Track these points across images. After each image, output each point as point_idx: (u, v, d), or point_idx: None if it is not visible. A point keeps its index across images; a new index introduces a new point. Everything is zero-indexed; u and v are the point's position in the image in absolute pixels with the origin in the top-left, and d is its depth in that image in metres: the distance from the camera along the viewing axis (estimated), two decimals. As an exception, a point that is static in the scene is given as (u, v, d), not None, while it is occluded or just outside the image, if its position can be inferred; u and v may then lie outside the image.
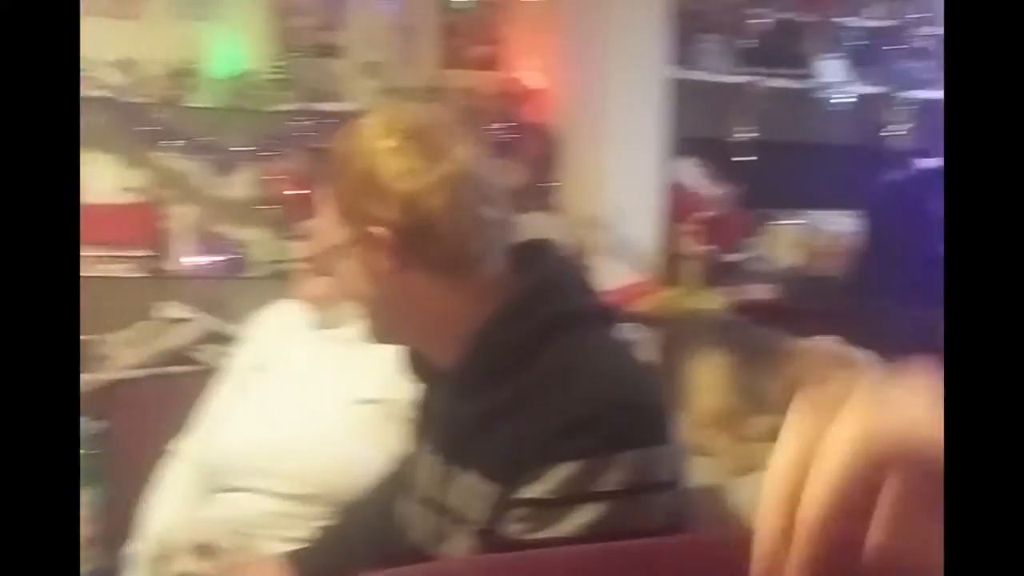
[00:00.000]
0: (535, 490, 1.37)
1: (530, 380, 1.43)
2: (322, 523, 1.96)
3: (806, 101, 4.34)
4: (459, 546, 1.48)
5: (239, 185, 3.70)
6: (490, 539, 1.43)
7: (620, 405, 1.39)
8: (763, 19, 4.22)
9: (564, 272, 1.59)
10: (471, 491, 1.47)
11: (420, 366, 1.64)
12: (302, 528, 1.98)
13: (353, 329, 2.13)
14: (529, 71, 4.10)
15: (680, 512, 1.46)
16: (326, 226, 1.55)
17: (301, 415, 2.09)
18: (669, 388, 2.33)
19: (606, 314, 1.57)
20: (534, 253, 1.54)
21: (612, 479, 1.35)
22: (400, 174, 1.44)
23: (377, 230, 1.46)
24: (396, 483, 1.77)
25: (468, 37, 4.13)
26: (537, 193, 3.91)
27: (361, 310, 1.56)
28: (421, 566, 1.44)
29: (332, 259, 1.56)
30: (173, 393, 2.57)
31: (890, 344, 2.43)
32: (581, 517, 1.36)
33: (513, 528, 1.40)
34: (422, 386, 1.69)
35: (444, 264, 1.48)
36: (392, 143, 1.46)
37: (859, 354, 2.25)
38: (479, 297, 1.47)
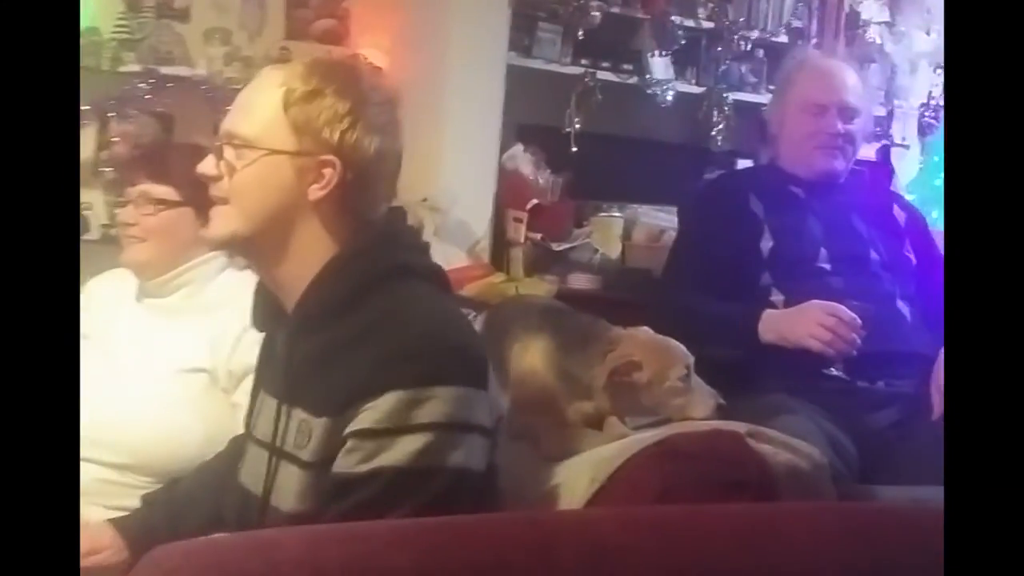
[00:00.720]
0: (362, 421, 1.48)
1: (361, 321, 1.54)
2: (149, 489, 2.02)
3: (636, 96, 4.48)
4: (289, 483, 1.57)
5: (83, 145, 3.68)
6: (320, 474, 1.53)
7: (443, 343, 1.52)
8: (599, 12, 4.33)
9: (405, 230, 1.75)
10: (303, 428, 1.56)
11: (265, 310, 1.72)
12: (128, 496, 2.03)
13: (178, 298, 2.22)
14: (371, 49, 4.15)
15: (492, 492, 1.60)
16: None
17: (123, 385, 2.12)
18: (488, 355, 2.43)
19: (437, 274, 1.70)
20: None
21: (434, 410, 1.47)
22: (341, 113, 1.58)
23: (328, 157, 1.57)
24: (238, 443, 1.84)
25: (314, 9, 4.17)
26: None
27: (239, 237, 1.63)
28: (248, 533, 1.49)
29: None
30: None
31: (700, 340, 2.57)
32: (408, 446, 1.46)
33: (344, 461, 1.49)
34: (265, 331, 1.77)
35: (360, 204, 1.62)
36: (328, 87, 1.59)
37: (672, 343, 2.33)
38: (318, 187, 1.59)
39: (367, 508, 1.46)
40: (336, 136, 1.58)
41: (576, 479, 1.83)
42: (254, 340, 1.86)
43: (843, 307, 2.51)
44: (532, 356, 2.41)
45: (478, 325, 2.77)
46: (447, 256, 3.83)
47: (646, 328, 2.33)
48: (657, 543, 1.47)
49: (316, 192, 1.59)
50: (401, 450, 1.46)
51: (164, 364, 2.13)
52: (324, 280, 1.59)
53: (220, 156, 1.61)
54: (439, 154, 3.98)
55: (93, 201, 3.76)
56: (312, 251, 1.60)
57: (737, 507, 1.54)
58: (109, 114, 3.73)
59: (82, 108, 3.63)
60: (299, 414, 1.58)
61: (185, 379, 2.12)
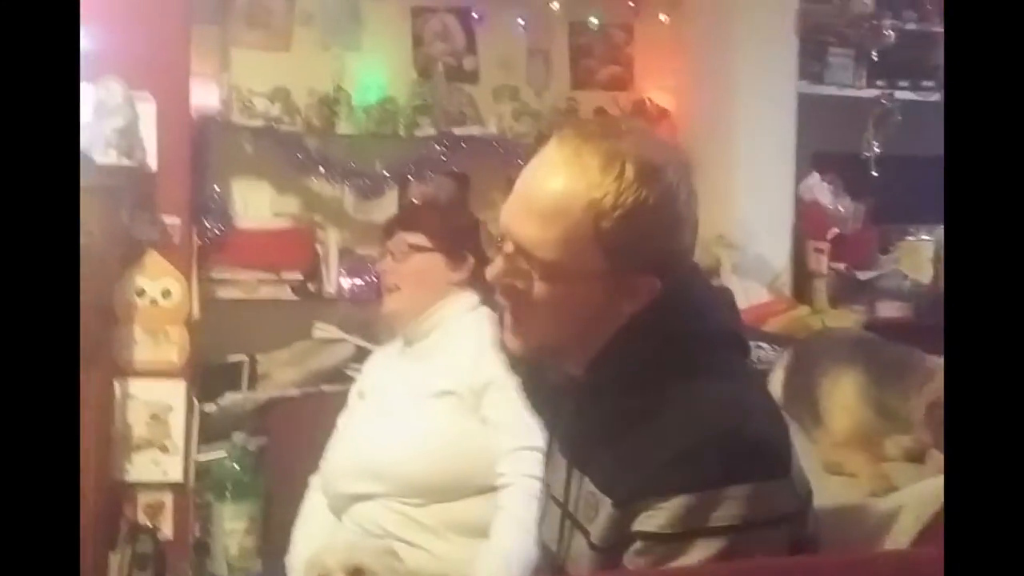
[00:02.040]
0: (652, 523, 1.36)
1: (654, 397, 1.42)
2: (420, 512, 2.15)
3: (939, 112, 4.28)
4: (580, 556, 1.50)
5: (384, 209, 3.84)
6: (607, 559, 1.44)
7: (739, 439, 1.37)
8: (892, 31, 4.18)
9: (705, 292, 1.58)
10: (590, 500, 1.47)
11: (543, 374, 1.66)
12: (424, 532, 2.16)
13: (433, 338, 2.32)
14: (658, 91, 4.17)
15: (804, 541, 1.47)
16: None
17: (395, 425, 2.26)
18: (793, 417, 2.34)
19: (739, 340, 1.56)
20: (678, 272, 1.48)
21: (728, 513, 1.34)
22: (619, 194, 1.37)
23: (649, 279, 1.41)
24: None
25: (598, 58, 4.22)
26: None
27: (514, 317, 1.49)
28: None
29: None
30: (325, 411, 2.71)
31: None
32: (700, 552, 1.34)
33: (634, 561, 1.39)
34: (551, 390, 1.67)
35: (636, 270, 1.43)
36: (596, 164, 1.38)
37: None
38: (632, 304, 1.44)
39: None
40: (656, 254, 1.41)
41: (899, 517, 1.72)
42: (491, 359, 1.93)
43: None
44: (844, 390, 2.33)
45: (784, 361, 2.72)
46: (747, 292, 3.76)
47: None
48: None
49: (629, 307, 1.43)
50: (691, 557, 1.35)
51: (421, 395, 2.26)
52: (619, 346, 1.46)
53: (512, 267, 1.44)
54: (733, 189, 3.91)
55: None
56: (600, 320, 1.46)
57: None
58: (408, 177, 3.88)
59: (383, 174, 3.83)
60: (588, 485, 1.49)
61: (437, 403, 2.23)
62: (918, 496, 1.74)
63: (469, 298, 2.33)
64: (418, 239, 2.32)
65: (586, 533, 1.48)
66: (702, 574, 1.38)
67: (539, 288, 1.42)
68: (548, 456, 1.70)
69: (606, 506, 1.43)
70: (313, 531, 2.34)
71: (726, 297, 1.69)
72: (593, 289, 1.41)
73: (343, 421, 2.45)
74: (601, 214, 1.37)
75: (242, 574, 2.99)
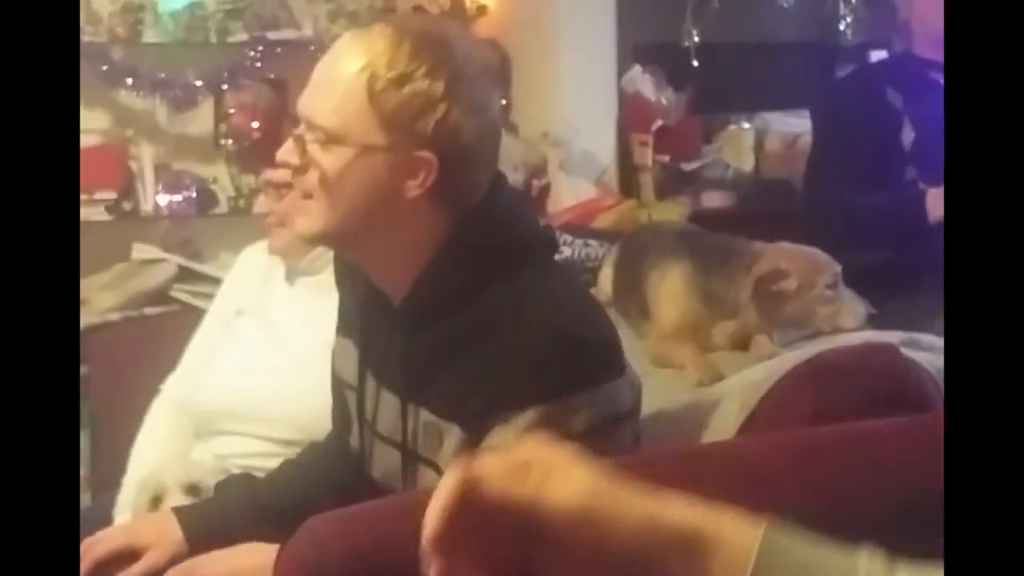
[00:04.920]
0: (503, 438, 1.38)
1: (481, 314, 1.45)
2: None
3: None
4: (386, 462, 1.55)
5: (199, 121, 3.71)
6: (423, 464, 1.49)
7: (576, 342, 1.41)
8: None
9: (511, 198, 1.60)
10: (431, 430, 1.49)
11: (366, 301, 1.63)
12: None
13: (328, 274, 2.20)
14: (477, -13, 4.10)
15: (638, 436, 1.52)
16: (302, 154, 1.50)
17: (281, 361, 2.14)
18: (622, 313, 2.36)
19: (549, 239, 1.61)
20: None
21: (579, 418, 1.38)
22: (435, 96, 1.42)
23: (424, 154, 1.43)
24: (346, 416, 1.76)
25: (416, -46, 4.12)
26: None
27: (330, 235, 1.53)
28: (397, 498, 1.48)
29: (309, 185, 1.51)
30: (151, 335, 2.63)
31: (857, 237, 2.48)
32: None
33: None
34: (370, 321, 1.65)
35: (461, 190, 1.47)
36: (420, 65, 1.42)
37: (818, 252, 2.27)
38: (415, 184, 1.45)
39: None
40: (431, 127, 1.42)
41: (725, 405, 1.76)
42: None
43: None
44: (671, 282, 2.37)
45: (612, 257, 2.74)
46: (575, 189, 3.78)
47: (786, 243, 2.26)
48: (811, 468, 1.41)
49: (412, 190, 1.44)
50: None
51: (320, 338, 2.12)
52: (435, 271, 1.48)
53: (302, 146, 1.47)
54: (555, 86, 3.89)
55: (218, 175, 3.80)
56: (415, 242, 1.48)
57: (895, 423, 1.46)
58: (223, 87, 3.75)
59: (195, 83, 3.69)
60: (426, 415, 1.50)
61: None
62: (744, 384, 1.77)
63: None
64: (284, 175, 2.16)
65: (433, 465, 1.49)
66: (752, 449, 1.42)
67: (325, 162, 1.44)
68: (370, 398, 1.65)
69: (453, 433, 1.45)
70: (153, 451, 2.25)
71: (525, 199, 1.76)
72: (374, 164, 1.44)
73: (211, 337, 2.32)
74: (374, 77, 1.42)
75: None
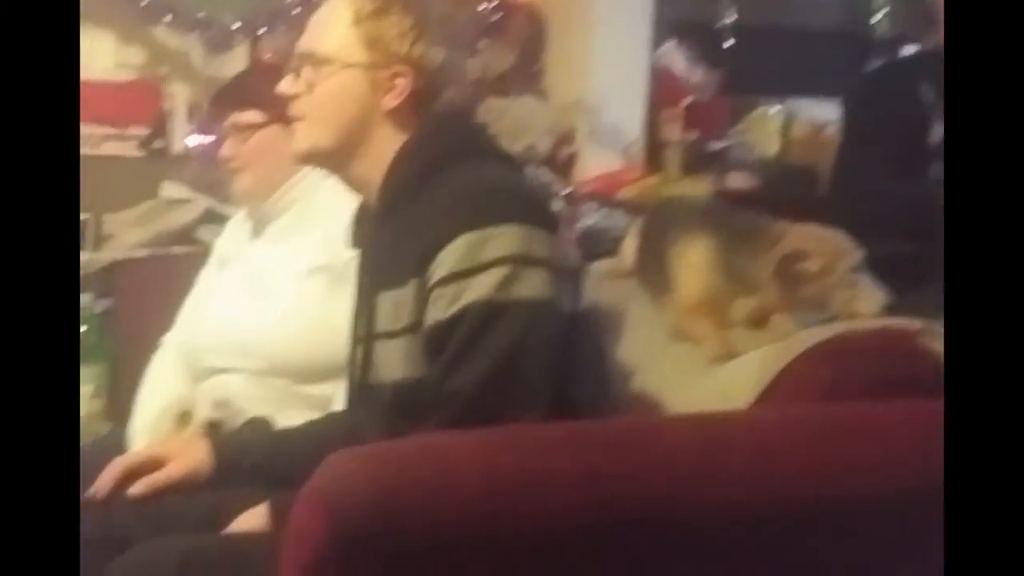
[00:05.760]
0: (440, 269, 1.59)
1: (433, 199, 1.65)
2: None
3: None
4: (388, 356, 1.70)
5: (234, 64, 3.69)
6: (415, 334, 1.65)
7: (506, 191, 1.66)
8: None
9: (466, 112, 1.94)
10: (390, 304, 1.69)
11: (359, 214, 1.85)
12: (270, 405, 2.12)
13: (290, 216, 2.26)
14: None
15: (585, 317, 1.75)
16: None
17: (258, 299, 2.20)
18: (644, 284, 2.42)
19: (499, 151, 1.83)
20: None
21: (504, 245, 1.58)
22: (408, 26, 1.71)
23: (400, 68, 1.71)
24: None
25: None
26: (522, 77, 3.94)
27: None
28: (421, 438, 1.51)
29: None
30: (174, 273, 2.65)
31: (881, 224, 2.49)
32: (486, 280, 1.56)
33: (432, 312, 1.61)
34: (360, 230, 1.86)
35: (425, 105, 1.73)
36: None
37: (841, 236, 2.27)
38: (390, 98, 1.72)
39: (465, 352, 1.57)
40: (405, 48, 1.70)
41: (742, 380, 1.79)
42: None
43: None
44: (695, 255, 2.37)
45: (637, 228, 2.75)
46: (601, 159, 3.79)
47: (812, 223, 2.27)
48: (825, 443, 1.43)
49: (390, 101, 1.72)
50: (480, 285, 1.57)
51: (290, 273, 2.19)
52: (396, 166, 1.71)
53: (298, 75, 1.75)
54: (588, 55, 3.88)
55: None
56: (389, 149, 1.72)
57: (908, 404, 1.49)
58: (259, 31, 3.73)
59: (233, 27, 3.68)
60: (390, 296, 1.69)
61: (309, 281, 2.17)
62: (762, 360, 1.80)
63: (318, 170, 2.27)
64: (251, 116, 2.20)
65: (390, 334, 1.70)
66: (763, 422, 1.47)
67: (318, 87, 1.72)
68: (367, 306, 1.79)
69: (407, 293, 1.65)
70: (161, 386, 2.30)
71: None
72: (357, 80, 1.71)
73: (203, 284, 2.39)
74: (360, 7, 1.71)
75: (89, 437, 2.94)
